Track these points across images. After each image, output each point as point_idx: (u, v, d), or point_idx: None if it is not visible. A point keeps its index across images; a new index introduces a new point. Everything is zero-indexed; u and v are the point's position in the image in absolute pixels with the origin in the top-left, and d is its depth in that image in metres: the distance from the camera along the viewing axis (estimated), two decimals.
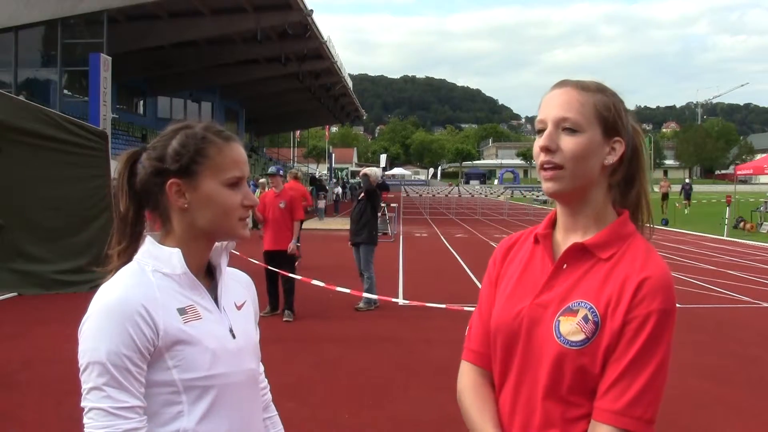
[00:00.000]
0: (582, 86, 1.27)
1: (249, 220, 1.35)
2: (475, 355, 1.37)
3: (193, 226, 1.29)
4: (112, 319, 1.17)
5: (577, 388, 1.20)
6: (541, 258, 1.32)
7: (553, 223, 1.35)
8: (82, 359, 1.17)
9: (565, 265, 1.27)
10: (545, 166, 1.26)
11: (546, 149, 1.25)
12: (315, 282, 7.62)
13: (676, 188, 30.13)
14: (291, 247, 7.74)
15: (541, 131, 1.27)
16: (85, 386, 1.17)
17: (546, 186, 1.27)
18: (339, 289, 7.63)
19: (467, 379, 1.37)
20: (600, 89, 1.28)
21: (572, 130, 1.24)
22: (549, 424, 1.22)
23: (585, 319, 1.20)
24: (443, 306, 6.99)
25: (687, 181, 32.41)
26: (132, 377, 1.16)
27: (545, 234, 1.33)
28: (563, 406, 1.21)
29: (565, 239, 1.31)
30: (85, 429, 1.16)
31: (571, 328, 1.20)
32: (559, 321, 1.22)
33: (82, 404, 1.17)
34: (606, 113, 1.25)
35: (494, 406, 1.32)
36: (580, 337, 1.19)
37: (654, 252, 1.26)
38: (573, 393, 1.20)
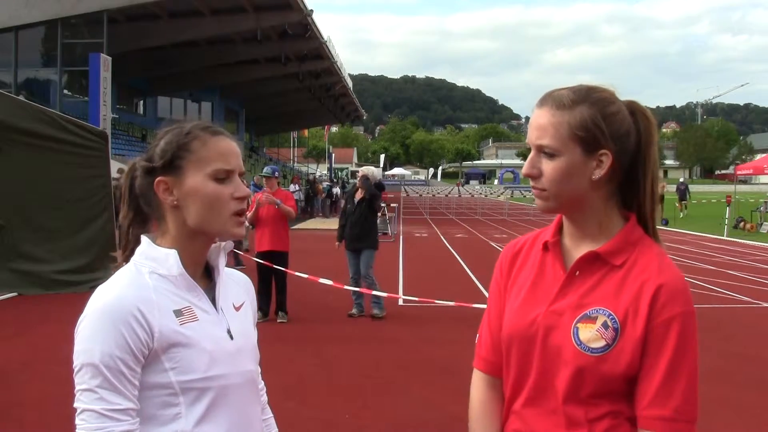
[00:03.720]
0: (559, 104, 1.24)
1: (245, 219, 1.34)
2: (486, 363, 1.40)
3: (186, 224, 1.28)
4: (106, 321, 1.17)
5: (598, 392, 1.22)
6: (552, 266, 1.32)
7: (559, 229, 1.35)
8: (77, 360, 1.17)
9: (577, 273, 1.28)
10: (532, 188, 1.31)
11: (529, 176, 1.28)
12: (322, 280, 7.62)
13: (673, 188, 29.28)
14: (267, 197, 7.41)
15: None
16: (78, 387, 1.17)
17: (537, 204, 1.31)
18: (347, 287, 7.63)
19: (477, 392, 1.41)
20: (579, 100, 1.24)
21: (550, 155, 1.25)
22: (574, 425, 1.23)
23: (605, 325, 1.21)
24: (452, 303, 7.00)
25: (682, 180, 30.23)
26: (125, 379, 1.16)
27: (555, 242, 1.34)
28: (585, 407, 1.22)
29: (573, 246, 1.32)
30: (77, 430, 1.16)
31: (591, 335, 1.21)
32: (577, 328, 1.23)
33: (75, 405, 1.17)
34: (582, 132, 1.22)
35: (498, 425, 1.37)
36: (601, 343, 1.20)
37: (665, 256, 1.27)
38: (594, 396, 1.22)
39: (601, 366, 1.20)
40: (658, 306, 1.19)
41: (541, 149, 1.25)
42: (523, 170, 1.28)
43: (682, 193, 28.13)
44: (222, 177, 1.27)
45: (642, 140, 1.28)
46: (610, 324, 1.21)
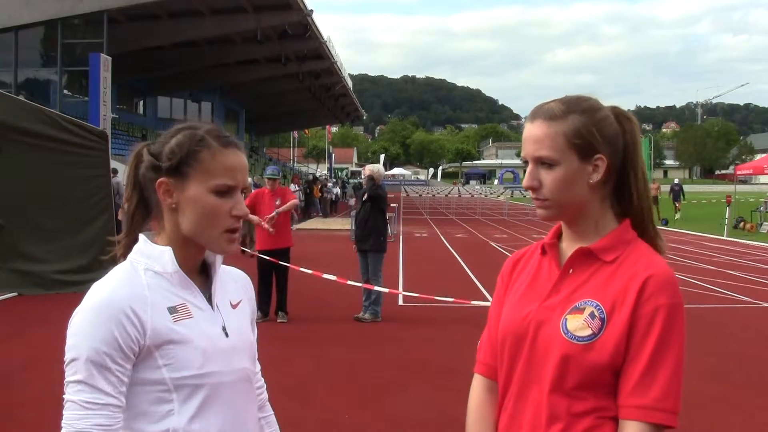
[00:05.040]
0: (550, 115, 1.29)
1: (239, 235, 1.32)
2: (485, 367, 1.45)
3: (180, 228, 1.28)
4: (96, 317, 1.18)
5: (583, 383, 1.23)
6: (548, 266, 1.37)
7: (559, 234, 1.41)
8: (67, 354, 1.20)
9: (571, 270, 1.32)
10: (534, 200, 1.34)
11: (530, 189, 1.32)
12: (326, 276, 7.60)
13: (666, 188, 28.47)
14: (267, 218, 7.32)
15: (527, 163, 1.34)
16: (66, 379, 1.20)
17: (538, 213, 1.35)
18: (350, 282, 7.61)
19: (475, 396, 1.45)
20: (569, 110, 1.29)
21: (549, 165, 1.29)
22: (554, 418, 1.25)
23: (591, 315, 1.24)
24: (451, 299, 6.99)
25: (676, 181, 28.54)
26: (111, 375, 1.17)
27: (552, 243, 1.39)
28: (569, 400, 1.24)
29: (570, 248, 1.36)
30: (62, 420, 1.19)
31: (578, 324, 1.24)
32: (566, 319, 1.26)
33: (63, 396, 1.20)
34: (577, 140, 1.28)
35: (493, 427, 1.39)
36: (587, 332, 1.23)
37: (656, 254, 1.32)
38: (579, 388, 1.24)
39: (586, 355, 1.22)
40: (645, 296, 1.22)
41: (539, 161, 1.30)
42: (525, 183, 1.33)
43: (676, 194, 26.84)
44: (223, 191, 1.26)
45: (628, 141, 1.34)
46: (597, 314, 1.24)
